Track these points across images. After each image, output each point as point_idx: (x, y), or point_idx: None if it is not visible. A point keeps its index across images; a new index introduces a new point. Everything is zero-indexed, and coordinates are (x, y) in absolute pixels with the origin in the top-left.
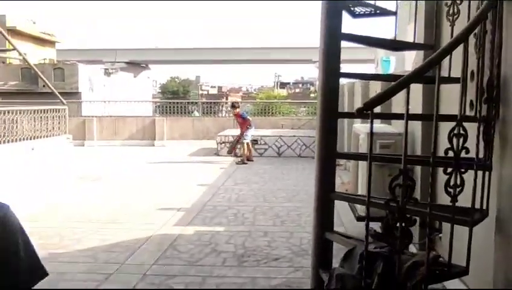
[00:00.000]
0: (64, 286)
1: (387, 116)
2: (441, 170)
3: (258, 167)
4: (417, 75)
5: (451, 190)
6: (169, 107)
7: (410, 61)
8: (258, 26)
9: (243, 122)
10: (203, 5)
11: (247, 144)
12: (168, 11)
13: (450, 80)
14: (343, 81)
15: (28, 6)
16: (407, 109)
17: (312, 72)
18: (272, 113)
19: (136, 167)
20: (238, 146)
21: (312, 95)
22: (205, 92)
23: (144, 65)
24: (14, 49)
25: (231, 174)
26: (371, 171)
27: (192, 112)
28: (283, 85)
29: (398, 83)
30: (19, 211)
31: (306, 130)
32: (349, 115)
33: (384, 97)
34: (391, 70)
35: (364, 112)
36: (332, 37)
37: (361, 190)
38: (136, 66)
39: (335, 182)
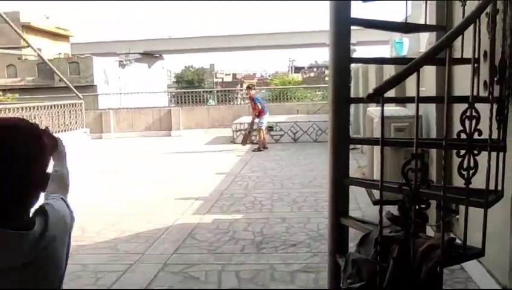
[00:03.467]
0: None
1: (398, 100)
2: (456, 151)
3: (274, 154)
4: (426, 59)
5: (464, 173)
6: (185, 96)
7: (426, 40)
8: (271, 10)
9: (255, 107)
10: None
11: (262, 130)
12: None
13: (462, 60)
14: (357, 63)
15: (41, 2)
16: (418, 92)
17: (326, 56)
18: (287, 98)
19: (153, 158)
20: (254, 133)
21: (327, 78)
22: (220, 80)
23: (157, 55)
24: (29, 46)
25: (248, 162)
26: (383, 156)
27: (207, 101)
28: (297, 70)
29: (407, 67)
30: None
31: (321, 115)
32: (360, 100)
33: (393, 82)
34: (405, 52)
35: (375, 98)
36: (342, 22)
37: (377, 174)
38: (150, 56)
39: (349, 167)
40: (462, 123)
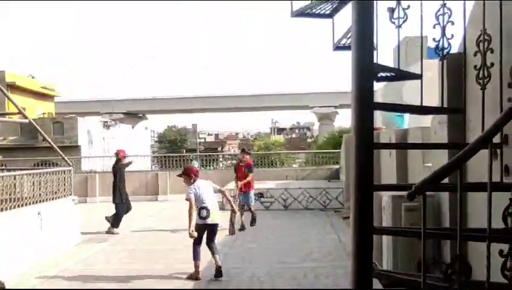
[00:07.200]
0: None
1: (440, 189)
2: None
3: (267, 223)
4: (468, 156)
5: (508, 273)
6: (168, 160)
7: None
8: (254, 73)
9: (247, 177)
10: (199, 54)
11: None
12: (164, 60)
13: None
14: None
15: (25, 60)
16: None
17: (308, 117)
18: (272, 162)
19: (141, 225)
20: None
21: (309, 140)
22: (202, 140)
23: (141, 115)
24: (19, 111)
25: (239, 231)
26: (425, 251)
27: (191, 161)
28: (280, 131)
29: (451, 163)
30: (25, 279)
31: (310, 181)
32: (390, 188)
33: (437, 178)
34: (405, 125)
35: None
36: (366, 106)
37: (388, 259)
38: (133, 116)
39: (372, 258)
40: (504, 220)
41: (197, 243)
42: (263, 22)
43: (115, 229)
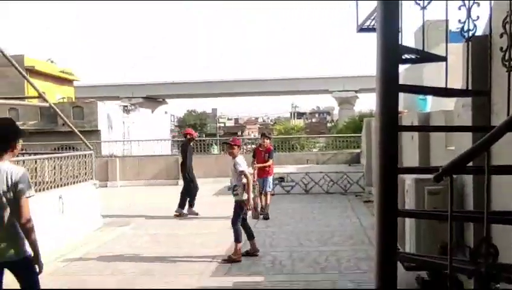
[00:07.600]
0: None
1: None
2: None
3: (287, 206)
4: (495, 139)
5: None
6: None
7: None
8: (274, 55)
9: (268, 162)
10: (219, 37)
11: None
12: (184, 44)
13: None
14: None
15: (45, 44)
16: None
17: (328, 101)
18: (293, 146)
19: (162, 209)
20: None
21: (329, 124)
22: (222, 125)
23: (160, 100)
24: (40, 95)
25: (260, 215)
26: (452, 234)
27: (211, 145)
28: (300, 115)
29: (479, 145)
30: (48, 263)
31: (331, 165)
32: (415, 171)
33: (465, 160)
34: (428, 108)
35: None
36: (391, 89)
37: (411, 242)
38: (153, 100)
39: (397, 241)
40: None
41: (238, 221)
42: (277, 12)
43: (183, 210)
